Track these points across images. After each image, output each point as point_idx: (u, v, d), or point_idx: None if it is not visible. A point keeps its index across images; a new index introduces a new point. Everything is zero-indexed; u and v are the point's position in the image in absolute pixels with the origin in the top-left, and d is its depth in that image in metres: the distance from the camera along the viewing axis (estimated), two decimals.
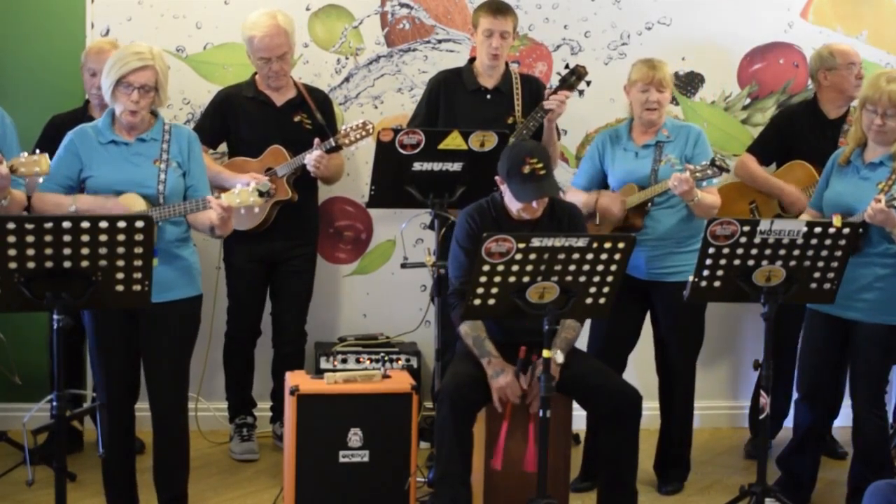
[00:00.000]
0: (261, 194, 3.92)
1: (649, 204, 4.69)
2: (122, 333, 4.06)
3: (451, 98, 5.04)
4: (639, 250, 4.66)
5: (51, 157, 4.33)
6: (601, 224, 4.82)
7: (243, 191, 3.91)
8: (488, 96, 5.04)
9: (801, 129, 5.14)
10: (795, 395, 4.74)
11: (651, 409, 4.89)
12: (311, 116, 5.07)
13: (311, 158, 4.86)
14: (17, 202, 4.11)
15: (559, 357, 4.08)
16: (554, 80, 5.47)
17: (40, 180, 3.94)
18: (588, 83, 5.01)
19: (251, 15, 4.98)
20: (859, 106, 4.37)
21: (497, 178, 4.25)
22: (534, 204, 4.17)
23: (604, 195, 4.80)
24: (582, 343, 4.77)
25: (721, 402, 5.89)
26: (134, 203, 3.99)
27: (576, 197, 4.88)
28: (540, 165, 4.11)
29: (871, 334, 4.32)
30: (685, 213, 4.68)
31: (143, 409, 4.23)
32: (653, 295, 4.77)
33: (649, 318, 4.92)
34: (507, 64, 5.09)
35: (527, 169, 4.10)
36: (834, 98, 5.14)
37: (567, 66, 4.99)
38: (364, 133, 4.88)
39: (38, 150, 3.95)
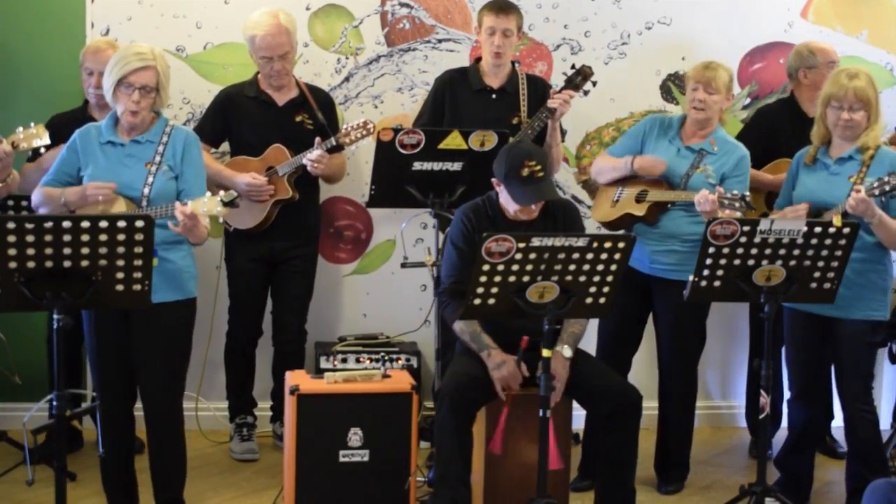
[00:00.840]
0: (225, 204, 3.89)
1: (669, 204, 4.68)
2: (116, 334, 4.05)
3: (456, 97, 5.03)
4: (643, 243, 4.67)
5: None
6: (621, 194, 4.79)
7: (211, 200, 3.89)
8: (493, 96, 5.03)
9: (782, 128, 5.14)
10: (787, 395, 4.75)
11: (652, 409, 4.89)
12: (312, 116, 5.07)
13: (310, 158, 4.86)
14: (16, 180, 4.24)
15: (567, 352, 4.09)
16: (554, 80, 5.47)
17: (42, 151, 3.97)
18: (594, 83, 5.01)
19: (253, 14, 4.98)
20: (822, 104, 4.41)
21: (493, 179, 4.24)
22: (532, 206, 4.17)
23: (641, 156, 4.75)
24: (590, 346, 4.78)
25: (721, 402, 5.89)
26: (113, 204, 3.98)
27: (607, 161, 4.87)
28: (538, 168, 4.10)
29: (853, 332, 4.34)
30: (700, 221, 4.65)
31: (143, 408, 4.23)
32: (654, 292, 4.76)
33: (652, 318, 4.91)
34: (513, 64, 5.09)
35: (525, 172, 4.09)
36: (813, 96, 5.10)
37: (573, 67, 4.99)
38: (365, 132, 4.88)
39: (32, 123, 4.00)
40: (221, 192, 3.94)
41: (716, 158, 4.69)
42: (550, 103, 4.88)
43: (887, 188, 4.14)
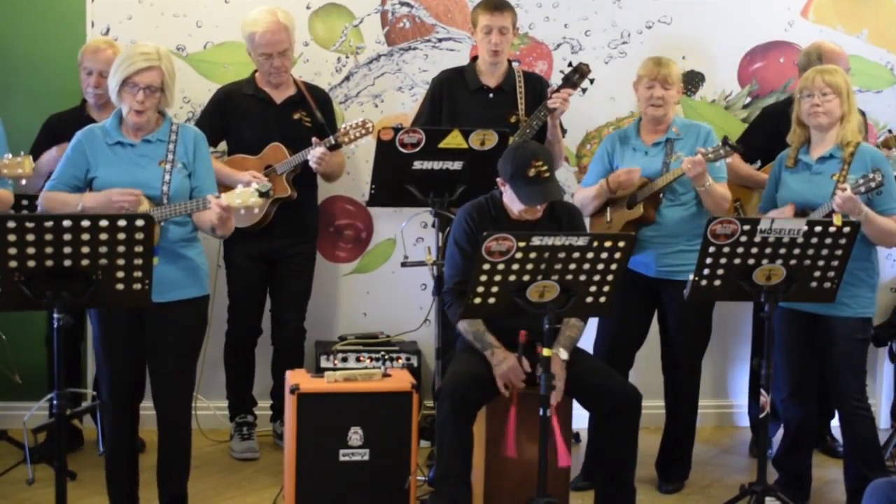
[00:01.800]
0: (261, 195, 3.91)
1: (661, 195, 4.69)
2: (127, 332, 4.05)
3: (454, 97, 5.03)
4: (648, 248, 4.69)
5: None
6: (613, 212, 4.81)
7: (244, 191, 3.90)
8: (491, 95, 5.04)
9: (785, 127, 5.14)
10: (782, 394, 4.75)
11: (654, 409, 4.89)
12: (310, 114, 5.07)
13: (314, 155, 4.87)
14: (4, 201, 4.20)
15: (563, 354, 4.09)
16: (555, 79, 5.47)
17: (23, 182, 3.99)
18: (591, 81, 5.01)
19: (251, 12, 4.99)
20: (797, 101, 4.46)
21: (498, 179, 4.24)
22: (537, 206, 4.17)
23: (613, 174, 4.76)
24: (589, 341, 4.78)
25: (721, 401, 5.89)
26: (139, 205, 3.99)
27: (585, 193, 4.88)
28: (545, 168, 4.10)
29: (845, 329, 4.35)
30: (695, 211, 4.67)
31: (146, 407, 4.23)
32: (661, 293, 4.77)
33: (656, 317, 4.91)
34: (509, 62, 5.09)
35: (532, 172, 4.09)
36: None
37: (570, 65, 4.99)
38: (363, 132, 4.88)
39: (22, 152, 4.02)
40: (254, 184, 3.97)
41: (683, 142, 4.73)
42: (550, 103, 4.88)
43: (872, 185, 4.16)
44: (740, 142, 5.26)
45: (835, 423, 5.26)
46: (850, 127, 4.39)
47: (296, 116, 5.08)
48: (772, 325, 4.10)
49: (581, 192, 4.94)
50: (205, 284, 4.15)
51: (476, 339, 4.20)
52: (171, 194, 4.01)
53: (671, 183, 4.64)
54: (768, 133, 5.17)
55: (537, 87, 5.08)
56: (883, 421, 5.70)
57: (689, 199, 4.67)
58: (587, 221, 4.83)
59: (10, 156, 4.02)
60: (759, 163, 5.24)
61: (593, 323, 4.81)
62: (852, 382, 4.42)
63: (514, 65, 5.14)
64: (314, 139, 4.91)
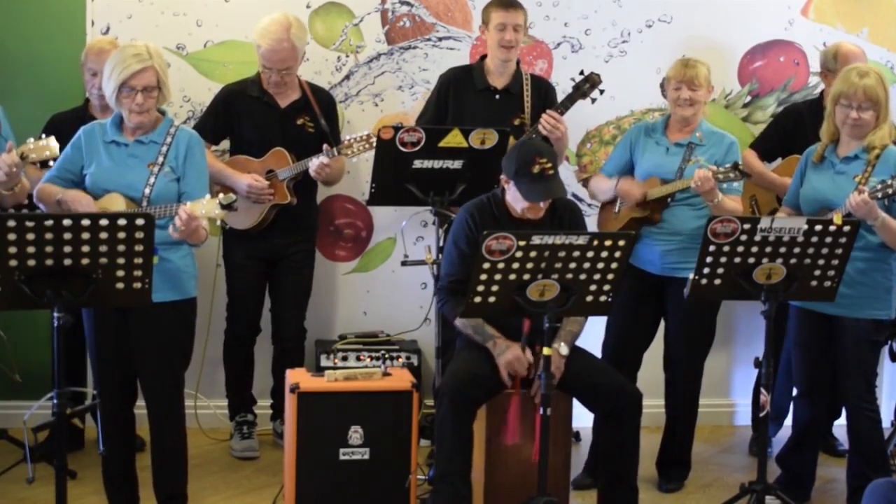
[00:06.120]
0: (223, 207, 3.87)
1: (669, 199, 4.69)
2: (115, 333, 4.06)
3: (460, 96, 5.02)
4: (653, 244, 4.71)
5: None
6: (622, 205, 4.83)
7: (210, 201, 3.88)
8: (497, 96, 5.03)
9: (803, 127, 5.14)
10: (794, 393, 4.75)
11: (654, 408, 4.88)
12: (313, 119, 5.06)
13: (314, 165, 4.86)
14: (25, 189, 4.19)
15: (563, 349, 4.10)
16: (555, 78, 5.47)
17: (51, 163, 3.97)
18: (601, 91, 5.01)
19: (264, 20, 4.90)
20: (832, 102, 4.41)
21: (502, 177, 4.25)
22: (540, 204, 4.17)
23: (624, 180, 4.81)
24: (596, 341, 4.78)
25: (721, 400, 5.89)
26: (113, 203, 3.99)
27: (599, 183, 4.91)
28: (549, 165, 4.11)
29: (857, 331, 4.34)
30: (705, 214, 4.66)
31: (144, 406, 4.23)
32: (666, 290, 4.76)
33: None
34: (517, 64, 5.07)
35: (536, 169, 4.09)
36: None
37: (581, 73, 4.99)
38: (367, 146, 4.86)
39: (43, 135, 3.99)
40: (220, 195, 3.93)
41: (705, 149, 4.73)
42: (544, 115, 4.86)
43: (890, 191, 4.13)
44: (759, 139, 5.29)
45: (838, 422, 5.27)
46: (880, 133, 4.35)
47: (299, 122, 5.06)
48: (772, 324, 4.10)
49: (597, 180, 4.97)
50: (187, 288, 4.11)
51: (476, 333, 4.20)
52: (151, 197, 4.00)
53: (677, 191, 4.65)
54: (786, 130, 5.18)
55: (543, 91, 5.07)
56: (885, 420, 5.68)
57: (699, 202, 4.65)
58: (589, 219, 4.84)
59: (33, 139, 4.01)
60: (779, 160, 5.24)
61: (601, 323, 4.82)
62: (861, 383, 4.41)
63: (524, 68, 5.12)
64: (325, 147, 4.88)
